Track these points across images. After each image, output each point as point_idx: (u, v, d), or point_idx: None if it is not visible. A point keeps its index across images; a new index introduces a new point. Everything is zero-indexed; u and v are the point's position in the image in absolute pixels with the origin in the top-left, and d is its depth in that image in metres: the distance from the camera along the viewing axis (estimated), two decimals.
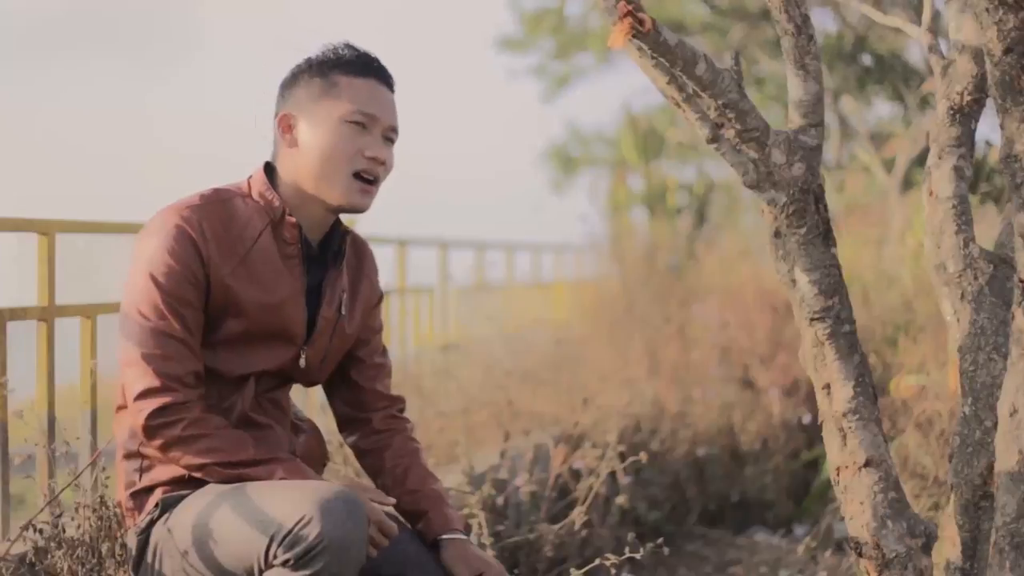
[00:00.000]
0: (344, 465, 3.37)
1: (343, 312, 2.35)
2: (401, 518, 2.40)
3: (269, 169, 2.33)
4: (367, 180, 2.28)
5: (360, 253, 2.45)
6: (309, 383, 2.44)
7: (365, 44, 2.35)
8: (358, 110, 2.27)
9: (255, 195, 2.28)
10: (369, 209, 2.31)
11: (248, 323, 2.24)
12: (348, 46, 2.33)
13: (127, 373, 2.17)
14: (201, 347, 2.22)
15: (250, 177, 2.32)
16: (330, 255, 2.35)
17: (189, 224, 2.19)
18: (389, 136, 2.31)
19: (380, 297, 2.49)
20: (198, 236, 2.19)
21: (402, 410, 2.51)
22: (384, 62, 2.35)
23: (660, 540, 2.98)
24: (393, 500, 2.29)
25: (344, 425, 2.49)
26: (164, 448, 2.16)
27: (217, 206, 2.24)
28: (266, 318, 2.25)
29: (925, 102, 8.04)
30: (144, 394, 2.15)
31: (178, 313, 2.17)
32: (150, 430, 2.15)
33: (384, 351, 2.51)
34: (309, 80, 2.30)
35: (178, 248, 2.18)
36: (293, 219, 2.27)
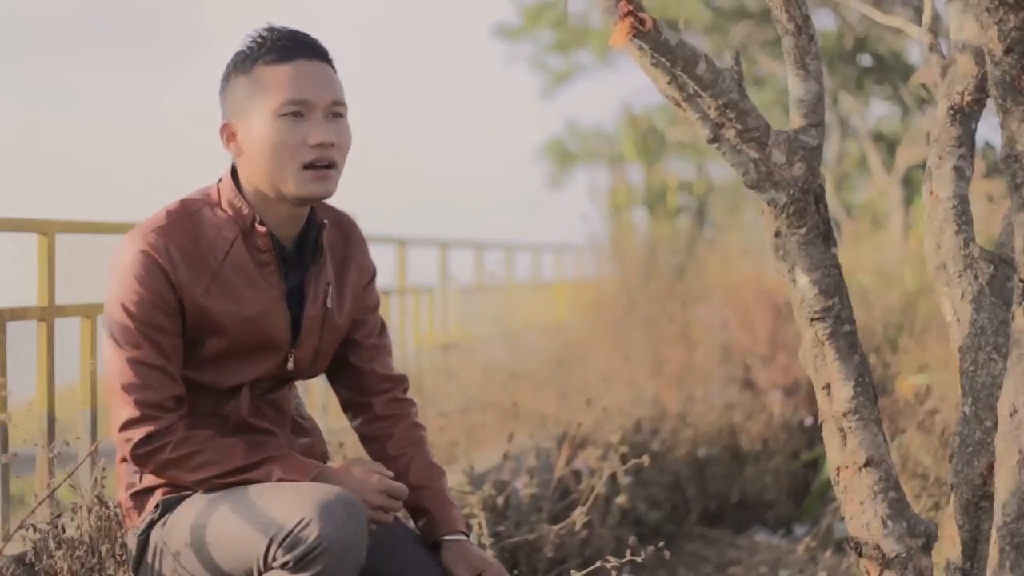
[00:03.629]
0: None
1: (330, 306, 2.29)
2: (401, 518, 2.40)
3: (236, 173, 2.25)
4: (322, 167, 2.18)
5: (346, 234, 2.36)
6: (307, 377, 2.41)
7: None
8: (287, 100, 2.15)
9: (224, 204, 2.22)
10: (335, 191, 2.21)
11: (229, 339, 2.20)
12: (269, 29, 2.21)
13: (110, 401, 2.17)
14: (187, 365, 2.19)
15: (219, 182, 2.25)
16: (307, 253, 2.28)
17: (156, 250, 2.14)
18: (335, 111, 2.19)
19: (373, 273, 2.40)
20: (166, 262, 2.14)
21: (406, 390, 2.44)
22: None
23: (662, 544, 2.97)
24: (391, 474, 2.24)
25: (347, 408, 2.44)
26: (157, 472, 2.17)
27: (184, 221, 2.19)
28: (247, 331, 2.21)
29: (923, 100, 8.04)
30: (127, 425, 2.14)
31: (152, 340, 2.14)
32: (139, 459, 2.16)
33: (383, 330, 2.43)
34: (236, 80, 2.20)
35: (146, 275, 2.14)
36: (264, 228, 2.20)
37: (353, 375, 2.41)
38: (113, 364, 2.16)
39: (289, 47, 2.18)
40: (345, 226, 2.38)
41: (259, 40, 2.20)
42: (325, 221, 2.30)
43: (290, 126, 2.16)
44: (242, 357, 2.23)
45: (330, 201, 2.32)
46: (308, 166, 2.17)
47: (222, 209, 2.22)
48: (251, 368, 2.24)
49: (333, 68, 2.23)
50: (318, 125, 2.17)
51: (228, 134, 2.22)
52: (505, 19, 16.39)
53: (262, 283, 2.22)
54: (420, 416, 2.48)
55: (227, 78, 2.22)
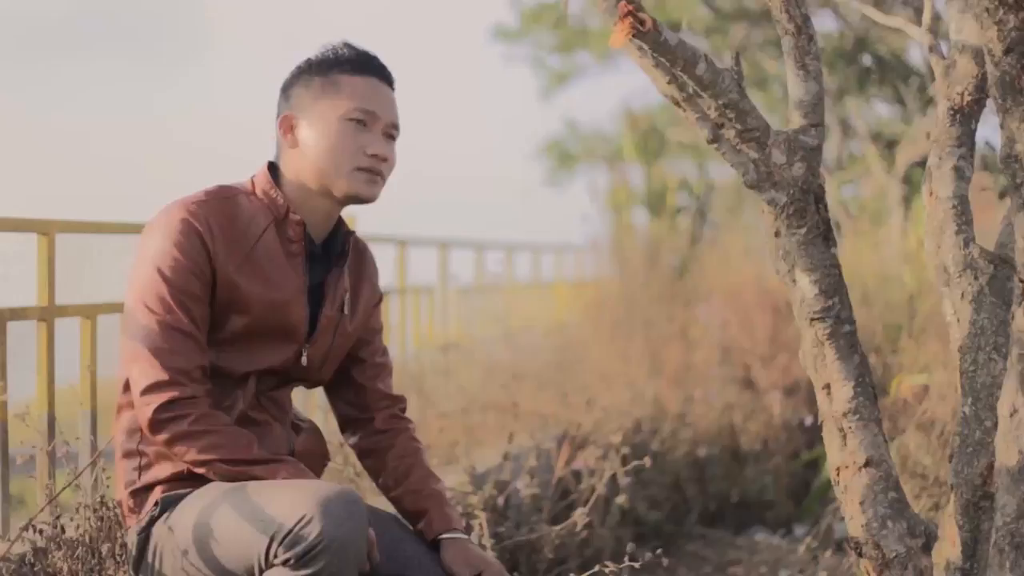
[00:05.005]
0: (344, 465, 3.37)
1: (345, 311, 2.36)
2: (402, 518, 2.41)
3: (273, 168, 2.34)
4: (372, 173, 2.29)
5: (361, 255, 2.46)
6: (312, 384, 2.44)
7: (367, 41, 2.36)
8: (358, 107, 2.27)
9: (259, 193, 2.29)
10: (377, 199, 2.32)
11: (251, 320, 2.24)
12: (347, 45, 2.33)
13: (133, 368, 2.17)
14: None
15: (254, 176, 2.32)
16: (333, 255, 2.36)
17: (195, 218, 2.20)
18: (390, 133, 2.32)
19: (380, 298, 2.50)
20: (204, 231, 2.20)
21: (404, 410, 2.51)
22: (384, 60, 2.35)
23: (659, 550, 2.97)
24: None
25: (346, 426, 2.49)
26: (170, 443, 2.16)
27: (222, 202, 2.25)
28: (269, 315, 2.25)
29: (926, 102, 8.05)
30: (151, 388, 2.14)
31: (185, 307, 2.17)
32: (157, 424, 2.15)
33: (385, 351, 2.51)
34: (308, 80, 2.31)
35: (184, 242, 2.18)
36: (297, 217, 2.28)
37: (355, 391, 2.46)
38: (140, 330, 2.16)
39: (367, 64, 2.33)
40: (361, 249, 2.47)
41: (338, 51, 2.33)
42: (353, 231, 2.40)
43: (353, 131, 2.27)
44: (260, 341, 2.26)
45: None
46: (360, 169, 2.28)
47: (257, 197, 2.29)
48: (265, 356, 2.27)
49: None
50: (377, 138, 2.30)
51: (287, 126, 2.31)
52: (504, 21, 16.39)
53: (290, 271, 2.28)
54: (420, 417, 2.51)
55: (297, 76, 2.33)
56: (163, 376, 2.14)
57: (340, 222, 2.38)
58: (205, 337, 2.21)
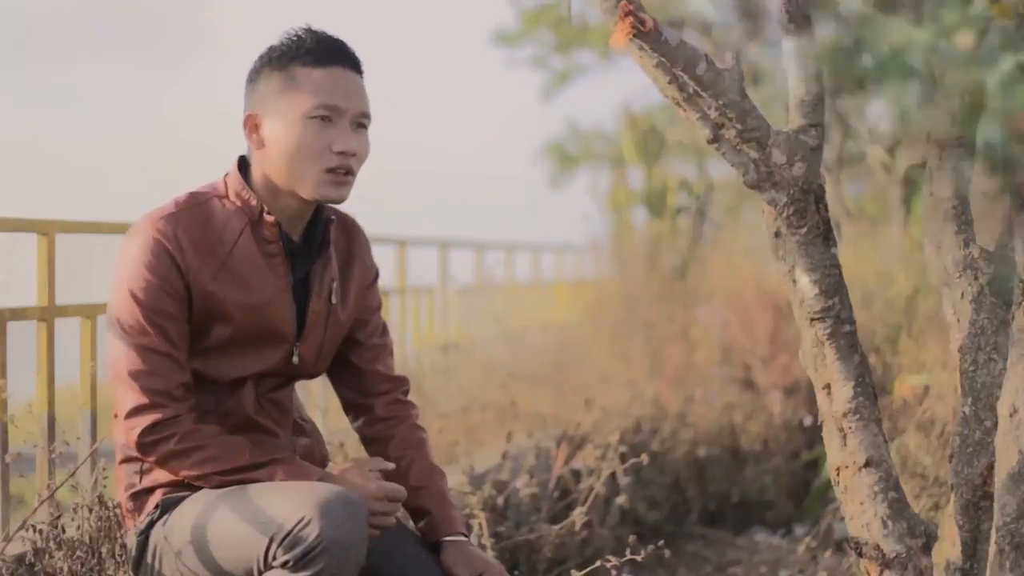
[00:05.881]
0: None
1: (334, 301, 2.31)
2: (400, 518, 2.40)
3: (244, 164, 2.28)
4: (341, 173, 2.21)
5: (350, 234, 2.39)
6: (310, 376, 2.42)
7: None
8: (320, 104, 2.18)
9: (232, 196, 2.24)
10: (347, 199, 2.24)
11: (235, 327, 2.21)
12: (308, 31, 2.23)
13: (116, 391, 2.17)
14: (191, 355, 2.20)
15: (226, 176, 2.27)
16: (315, 246, 2.30)
17: (165, 236, 2.16)
18: (360, 122, 2.23)
19: (375, 274, 2.43)
20: (174, 247, 2.16)
21: (407, 392, 2.46)
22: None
23: (662, 542, 2.97)
24: (391, 465, 2.29)
25: (349, 409, 2.46)
26: (160, 463, 2.17)
27: (193, 211, 2.21)
28: (252, 320, 2.22)
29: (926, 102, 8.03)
30: (134, 412, 2.14)
31: (159, 327, 2.15)
32: (144, 447, 2.15)
33: (384, 330, 2.45)
34: (269, 75, 2.21)
35: (155, 261, 2.15)
36: (272, 218, 2.23)
37: (355, 375, 2.42)
38: (119, 352, 2.16)
39: (328, 52, 2.21)
40: (349, 227, 2.40)
41: (298, 39, 2.22)
42: (332, 217, 2.33)
43: (317, 130, 2.18)
44: (247, 348, 2.24)
45: None
46: (328, 171, 2.19)
47: (230, 200, 2.24)
48: (256, 361, 2.25)
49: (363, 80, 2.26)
50: (344, 133, 2.20)
51: (251, 125, 2.24)
52: (504, 23, 16.35)
53: (269, 273, 2.23)
54: (420, 417, 2.49)
55: (258, 70, 2.24)
56: (143, 400, 2.14)
57: (319, 210, 2.30)
58: (185, 353, 2.19)
